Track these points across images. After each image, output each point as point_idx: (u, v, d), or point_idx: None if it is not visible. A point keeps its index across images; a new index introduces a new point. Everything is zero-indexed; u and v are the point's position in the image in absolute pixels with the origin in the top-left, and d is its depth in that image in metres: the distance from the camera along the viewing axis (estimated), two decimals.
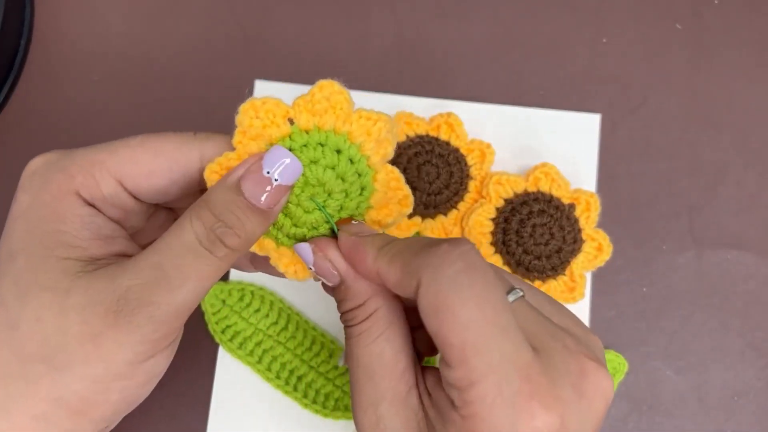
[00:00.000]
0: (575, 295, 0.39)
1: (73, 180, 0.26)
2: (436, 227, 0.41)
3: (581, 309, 0.41)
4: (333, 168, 0.27)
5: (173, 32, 0.45)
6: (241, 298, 0.40)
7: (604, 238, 0.40)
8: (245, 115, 0.26)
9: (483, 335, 0.23)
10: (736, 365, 0.40)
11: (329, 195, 0.27)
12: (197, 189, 0.28)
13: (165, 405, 0.40)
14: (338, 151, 0.27)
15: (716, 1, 0.45)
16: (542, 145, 0.43)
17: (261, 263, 0.31)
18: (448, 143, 0.41)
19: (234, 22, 0.45)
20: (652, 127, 0.43)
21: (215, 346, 0.40)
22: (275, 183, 0.25)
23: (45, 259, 0.25)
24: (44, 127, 0.44)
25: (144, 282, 0.24)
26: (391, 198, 0.28)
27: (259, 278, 0.41)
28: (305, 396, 0.40)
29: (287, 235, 0.27)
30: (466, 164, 0.41)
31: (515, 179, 0.40)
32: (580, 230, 0.40)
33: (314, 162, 0.27)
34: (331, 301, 0.41)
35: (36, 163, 0.27)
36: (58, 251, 0.25)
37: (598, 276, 0.41)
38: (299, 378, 0.40)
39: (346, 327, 0.27)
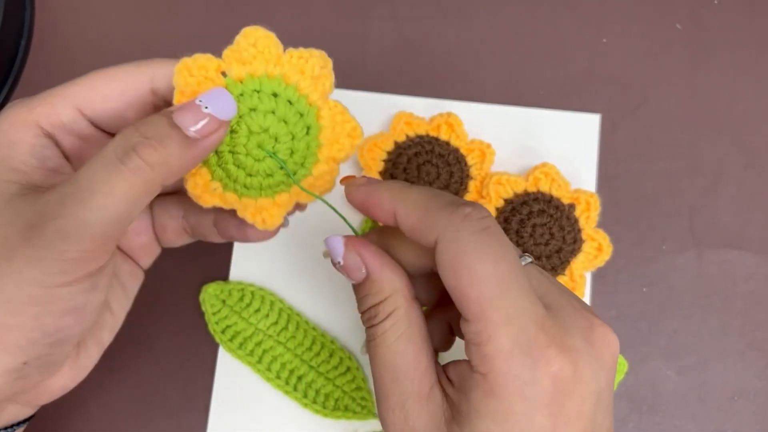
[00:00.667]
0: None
1: (33, 111, 0.27)
2: None
3: None
4: (273, 112, 0.27)
5: (173, 33, 0.45)
6: (241, 298, 0.40)
7: (604, 238, 0.40)
8: (179, 75, 0.27)
9: (499, 290, 0.24)
10: (736, 365, 0.40)
11: (276, 140, 0.27)
12: (151, 112, 0.28)
13: (165, 405, 0.40)
14: (275, 95, 0.27)
15: (716, 1, 0.45)
16: (542, 145, 0.43)
17: (226, 229, 0.31)
18: (448, 143, 0.41)
19: (234, 22, 0.45)
20: (652, 127, 0.43)
21: (215, 346, 0.40)
22: (206, 111, 0.25)
23: None
24: None
25: (57, 199, 0.24)
26: (339, 133, 0.28)
27: (259, 278, 0.41)
28: (305, 396, 0.40)
29: (245, 185, 0.28)
30: (466, 164, 0.41)
31: (515, 179, 0.40)
32: (580, 230, 0.40)
33: (253, 109, 0.27)
34: (331, 301, 0.41)
35: (10, 104, 0.28)
36: (2, 175, 0.26)
37: (598, 276, 0.41)
38: (299, 378, 0.40)
39: (369, 327, 0.27)
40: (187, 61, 0.27)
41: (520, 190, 0.40)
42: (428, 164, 0.41)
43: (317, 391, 0.40)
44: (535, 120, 0.43)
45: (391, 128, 0.42)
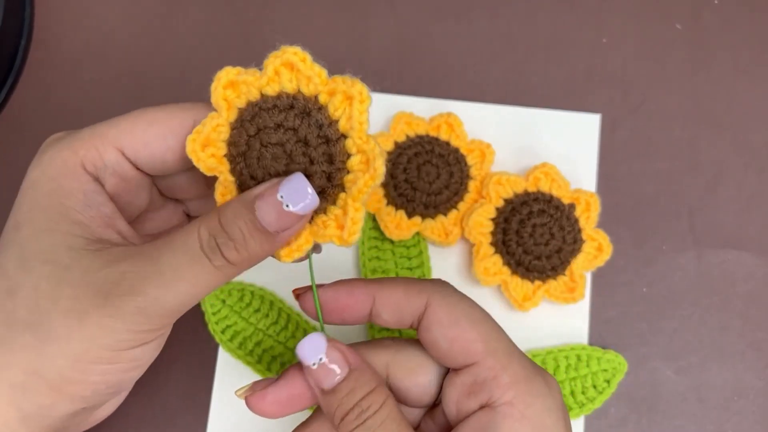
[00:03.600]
0: (575, 295, 0.39)
1: (77, 154, 0.27)
2: (436, 227, 0.41)
3: (581, 309, 0.41)
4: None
5: (173, 33, 0.45)
6: (241, 298, 0.40)
7: (604, 238, 0.40)
8: (215, 92, 0.27)
9: (494, 330, 0.28)
10: (736, 365, 0.40)
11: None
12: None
13: (165, 405, 0.40)
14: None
15: (716, 1, 0.45)
16: (542, 145, 0.43)
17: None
18: (448, 143, 0.41)
19: (234, 22, 0.45)
20: (652, 127, 0.43)
21: (215, 346, 0.40)
22: (287, 209, 0.25)
23: (50, 232, 0.26)
24: (44, 128, 0.44)
25: (138, 271, 0.25)
26: (359, 172, 0.26)
27: (259, 278, 0.41)
28: None
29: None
30: (466, 164, 0.41)
31: (515, 179, 0.40)
32: (580, 230, 0.40)
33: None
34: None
35: (47, 142, 0.28)
36: (62, 226, 0.26)
37: (598, 276, 0.41)
38: None
39: (362, 424, 0.26)
40: (222, 83, 0.27)
41: (520, 190, 0.40)
42: (428, 164, 0.41)
43: None
44: (535, 120, 0.43)
45: (391, 128, 0.42)
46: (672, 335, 0.41)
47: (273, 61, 0.26)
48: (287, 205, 0.25)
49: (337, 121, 0.26)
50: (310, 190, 0.25)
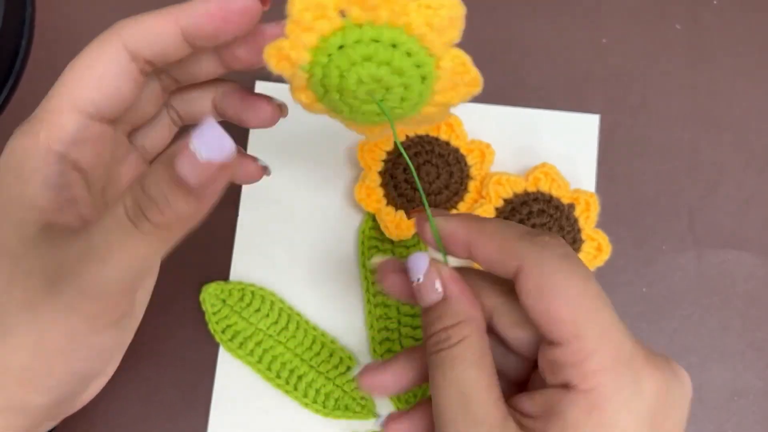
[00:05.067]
0: None
1: (37, 137, 0.26)
2: None
3: None
4: (388, 63, 0.25)
5: None
6: (241, 298, 0.40)
7: (603, 239, 0.40)
8: (294, 6, 0.25)
9: (593, 307, 0.24)
10: (736, 365, 0.40)
11: (387, 90, 0.26)
12: (141, 78, 0.28)
13: (165, 405, 0.40)
14: (394, 46, 0.25)
15: (716, 1, 0.45)
16: (542, 145, 0.43)
17: (225, 111, 0.31)
18: (448, 143, 0.41)
19: None
20: (652, 127, 0.43)
21: (215, 346, 0.40)
22: (202, 157, 0.22)
23: (6, 223, 0.25)
24: None
25: (75, 254, 0.24)
26: (457, 81, 0.27)
27: (259, 278, 0.41)
28: (305, 396, 0.40)
29: (351, 117, 0.27)
30: (466, 164, 0.41)
31: (515, 179, 0.41)
32: (579, 230, 0.40)
33: (368, 59, 0.25)
34: (331, 300, 0.41)
35: (11, 137, 0.27)
36: (17, 214, 0.25)
37: (598, 276, 0.41)
38: (299, 378, 0.40)
39: (437, 352, 0.26)
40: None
41: (519, 190, 0.40)
42: (428, 164, 0.41)
43: (317, 391, 0.40)
44: (535, 120, 0.43)
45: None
46: (672, 335, 0.41)
47: None
48: (202, 155, 0.22)
49: (427, 47, 0.25)
50: (226, 140, 0.22)
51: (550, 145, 0.43)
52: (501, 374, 0.28)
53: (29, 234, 0.25)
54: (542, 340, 0.26)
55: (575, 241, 0.40)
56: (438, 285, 0.27)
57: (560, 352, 0.25)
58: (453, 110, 0.42)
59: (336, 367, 0.40)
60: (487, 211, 0.40)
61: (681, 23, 0.45)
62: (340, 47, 0.25)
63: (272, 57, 0.26)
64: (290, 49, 0.25)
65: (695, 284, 0.41)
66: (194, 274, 0.41)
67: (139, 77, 0.28)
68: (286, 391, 0.40)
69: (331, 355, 0.40)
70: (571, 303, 0.24)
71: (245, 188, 0.42)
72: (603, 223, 0.40)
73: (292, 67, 0.26)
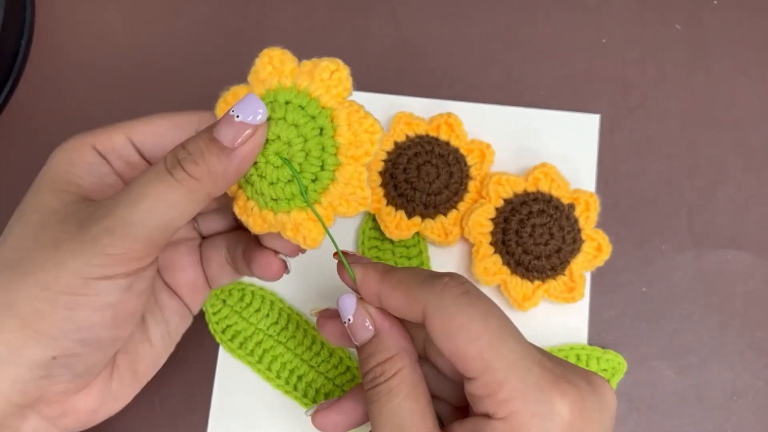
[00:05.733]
0: (575, 295, 0.39)
1: (89, 137, 0.30)
2: (436, 227, 0.41)
3: (581, 309, 0.41)
4: (284, 118, 0.28)
5: (173, 33, 0.45)
6: (241, 298, 0.40)
7: (603, 238, 0.40)
8: (219, 108, 0.30)
9: (495, 340, 0.26)
10: (735, 365, 0.40)
11: (289, 144, 0.28)
12: None
13: (165, 405, 0.40)
14: (287, 102, 0.28)
15: (715, 2, 0.45)
16: (542, 145, 0.43)
17: (244, 265, 0.33)
18: (448, 143, 0.41)
19: (234, 22, 0.45)
20: (651, 127, 0.44)
21: (215, 346, 0.40)
22: (238, 120, 0.26)
23: (47, 189, 0.28)
24: (45, 129, 0.44)
25: (112, 199, 0.27)
26: (357, 131, 0.28)
27: (259, 278, 0.41)
28: (305, 395, 0.40)
29: (272, 197, 0.28)
30: (466, 164, 0.41)
31: (515, 179, 0.41)
32: (579, 230, 0.40)
33: (269, 118, 0.28)
34: (331, 300, 0.41)
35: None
36: (60, 185, 0.28)
37: (598, 276, 0.41)
38: (299, 378, 0.40)
39: (374, 387, 0.28)
40: (226, 96, 0.30)
41: (519, 190, 0.40)
42: (428, 164, 0.41)
43: (317, 391, 0.40)
44: (535, 120, 0.43)
45: (391, 128, 0.42)
46: (671, 335, 0.41)
47: (254, 70, 0.29)
48: (237, 116, 0.26)
49: (317, 98, 0.28)
50: (261, 109, 0.27)
51: (550, 145, 0.43)
52: (442, 400, 0.31)
53: (68, 198, 0.28)
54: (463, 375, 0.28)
55: (575, 241, 0.40)
56: (368, 322, 0.29)
57: (475, 386, 0.26)
58: (453, 110, 0.42)
59: (336, 367, 0.40)
60: (487, 210, 0.40)
61: (681, 23, 0.45)
62: None
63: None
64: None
65: (695, 284, 0.41)
66: None
67: None
68: (286, 391, 0.40)
69: (330, 355, 0.40)
70: (476, 340, 0.26)
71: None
72: (603, 223, 0.40)
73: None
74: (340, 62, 0.29)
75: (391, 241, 0.41)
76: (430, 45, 0.45)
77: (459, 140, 0.42)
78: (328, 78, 0.28)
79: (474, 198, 0.41)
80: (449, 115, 0.42)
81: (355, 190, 0.29)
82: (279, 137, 0.28)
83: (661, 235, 0.42)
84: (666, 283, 0.41)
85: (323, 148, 0.28)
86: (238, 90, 0.30)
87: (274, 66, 0.29)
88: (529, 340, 0.40)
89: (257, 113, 0.27)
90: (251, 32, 0.45)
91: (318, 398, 0.40)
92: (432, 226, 0.41)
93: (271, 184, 0.28)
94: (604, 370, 0.39)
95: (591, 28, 0.45)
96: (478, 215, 0.40)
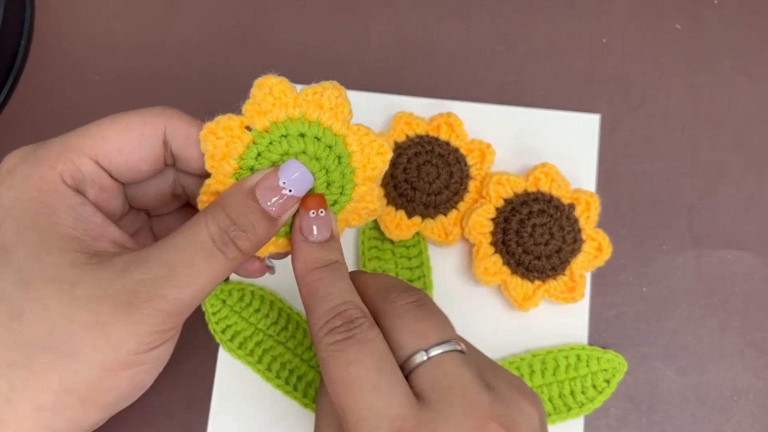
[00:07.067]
0: (575, 295, 0.39)
1: (54, 168, 0.27)
2: (436, 227, 0.41)
3: (581, 309, 0.41)
4: (304, 152, 0.28)
5: (173, 32, 0.45)
6: (241, 298, 0.40)
7: (603, 238, 0.40)
8: (206, 140, 0.28)
9: (351, 393, 0.25)
10: (735, 365, 0.40)
11: (313, 177, 0.28)
12: (162, 167, 0.29)
13: (165, 405, 0.40)
14: (302, 135, 0.28)
15: (716, 2, 0.45)
16: (542, 145, 0.43)
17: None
18: (448, 143, 0.41)
19: (234, 22, 0.45)
20: (651, 127, 0.44)
21: (215, 346, 0.40)
22: (287, 193, 0.27)
23: (48, 252, 0.25)
24: (44, 128, 0.44)
25: (155, 277, 0.25)
26: (369, 153, 0.29)
27: (259, 278, 0.41)
28: (305, 395, 0.40)
29: (287, 224, 0.29)
30: (466, 164, 0.41)
31: (515, 179, 0.41)
32: (579, 230, 0.40)
33: (285, 154, 0.28)
34: None
35: (11, 160, 0.27)
36: (58, 243, 0.25)
37: (598, 276, 0.41)
38: (299, 378, 0.40)
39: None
40: (210, 126, 0.28)
41: (520, 190, 0.40)
42: (428, 164, 0.41)
43: (317, 391, 0.40)
44: (535, 120, 0.43)
45: (391, 128, 0.42)
46: (671, 335, 0.41)
47: (252, 102, 0.28)
48: (290, 190, 0.27)
49: (329, 127, 0.28)
50: (308, 177, 0.27)
51: (551, 145, 0.43)
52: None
53: (79, 261, 0.25)
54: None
55: (575, 241, 0.40)
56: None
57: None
58: (453, 110, 0.42)
59: None
60: (488, 210, 0.40)
61: (681, 23, 0.45)
62: (258, 156, 0.28)
63: (203, 204, 0.28)
64: (216, 184, 0.28)
65: (695, 284, 0.41)
66: None
67: (161, 165, 0.29)
68: (286, 391, 0.40)
69: None
70: (336, 391, 0.25)
71: None
72: (603, 223, 0.40)
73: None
74: (339, 86, 0.29)
75: (391, 241, 0.41)
76: (430, 45, 0.45)
77: (459, 140, 0.42)
78: (335, 104, 0.28)
79: (474, 198, 0.41)
80: (449, 115, 0.42)
81: (367, 205, 0.30)
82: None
83: (661, 235, 0.42)
84: (666, 283, 0.41)
85: (343, 176, 0.29)
86: (227, 121, 0.28)
87: (275, 97, 0.28)
88: (529, 340, 0.40)
89: (305, 184, 0.27)
90: (251, 33, 0.45)
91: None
92: (432, 226, 0.41)
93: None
94: (605, 370, 0.39)
95: (591, 28, 0.45)
96: (478, 215, 0.40)
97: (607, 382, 0.39)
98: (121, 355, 0.25)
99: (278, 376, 0.40)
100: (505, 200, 0.40)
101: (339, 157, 0.29)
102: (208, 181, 0.28)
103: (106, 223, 0.28)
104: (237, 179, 0.28)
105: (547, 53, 0.45)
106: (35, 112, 0.44)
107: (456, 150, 0.41)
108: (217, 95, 0.44)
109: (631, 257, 0.42)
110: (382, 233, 0.41)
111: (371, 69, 0.44)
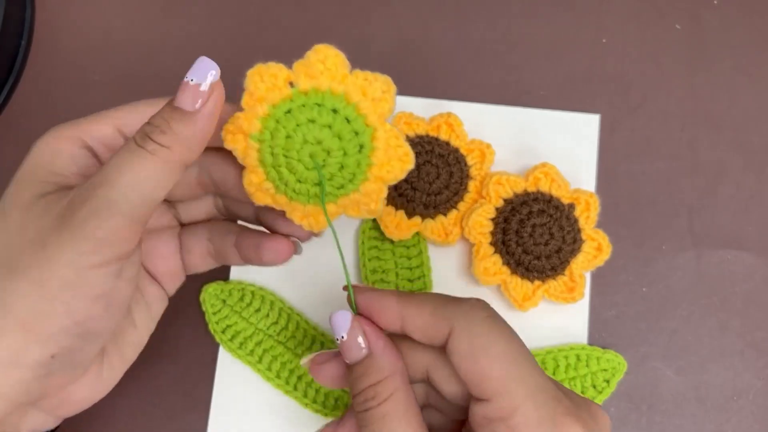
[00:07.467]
0: (575, 295, 0.39)
1: (76, 127, 0.29)
2: (436, 227, 0.41)
3: (581, 309, 0.41)
4: (329, 127, 0.28)
5: (173, 32, 0.45)
6: (241, 298, 0.40)
7: (603, 238, 0.40)
8: (251, 79, 0.28)
9: (517, 366, 0.26)
10: (735, 365, 0.40)
11: (328, 153, 0.28)
12: None
13: (165, 405, 0.40)
14: (335, 111, 0.28)
15: (715, 2, 0.45)
16: (542, 145, 0.43)
17: (244, 250, 0.32)
18: (448, 143, 0.41)
19: (234, 22, 0.45)
20: (651, 127, 0.44)
21: (215, 346, 0.40)
22: (192, 83, 0.27)
23: (27, 183, 0.28)
24: (44, 128, 0.44)
25: (88, 184, 0.26)
26: (392, 155, 0.29)
27: (259, 278, 0.41)
28: (305, 395, 0.40)
29: (294, 190, 0.29)
30: (466, 164, 0.41)
31: (515, 179, 0.41)
32: (579, 230, 0.40)
33: (312, 121, 0.28)
34: (330, 300, 0.41)
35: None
36: (39, 176, 0.28)
37: (598, 276, 0.41)
38: (299, 377, 0.40)
39: (366, 410, 0.28)
40: (260, 67, 0.29)
41: (519, 190, 0.40)
42: (428, 164, 0.41)
43: (317, 391, 0.40)
44: (535, 120, 0.43)
45: None
46: (671, 335, 0.41)
47: (304, 62, 0.28)
48: (192, 80, 0.27)
49: (364, 116, 0.29)
50: (212, 68, 0.28)
51: (550, 145, 0.43)
52: (440, 421, 0.30)
53: (45, 190, 0.27)
54: (471, 397, 0.28)
55: (575, 241, 0.40)
56: (362, 341, 0.28)
57: (489, 408, 0.26)
58: (453, 110, 0.42)
59: None
60: (488, 210, 0.40)
61: (681, 23, 0.45)
62: (288, 112, 0.28)
63: (228, 132, 0.29)
64: (244, 120, 0.28)
65: (694, 284, 0.41)
66: (194, 274, 0.41)
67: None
68: (286, 391, 0.40)
69: None
70: (499, 361, 0.26)
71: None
72: (603, 223, 0.40)
73: (245, 139, 0.29)
74: (390, 82, 0.29)
75: (391, 241, 0.41)
76: (430, 45, 0.45)
77: (459, 140, 0.42)
78: (379, 98, 0.28)
79: (474, 198, 0.41)
80: (449, 115, 0.42)
81: (369, 203, 0.30)
82: (320, 143, 0.28)
83: (661, 235, 0.42)
84: (666, 283, 0.41)
85: (358, 164, 0.29)
86: (276, 70, 0.29)
87: (326, 67, 0.28)
88: (529, 340, 0.40)
89: (209, 75, 0.27)
90: (251, 32, 0.45)
91: (318, 398, 0.40)
92: (432, 226, 0.41)
93: (298, 181, 0.29)
94: (604, 370, 0.39)
95: (591, 28, 0.45)
96: (478, 215, 0.40)
97: (607, 382, 0.39)
98: (57, 270, 0.25)
99: (278, 376, 0.40)
100: (505, 200, 0.40)
101: (361, 146, 0.29)
102: (237, 114, 0.29)
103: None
104: (262, 125, 0.28)
105: (547, 53, 0.45)
106: (35, 112, 0.44)
107: (456, 150, 0.41)
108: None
109: (631, 257, 0.42)
110: (382, 233, 0.41)
111: (371, 69, 0.44)
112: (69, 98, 0.44)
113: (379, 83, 0.28)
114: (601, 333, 0.41)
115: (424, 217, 0.41)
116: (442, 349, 0.28)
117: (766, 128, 0.44)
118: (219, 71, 0.28)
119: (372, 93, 0.28)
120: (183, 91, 0.27)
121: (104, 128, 0.29)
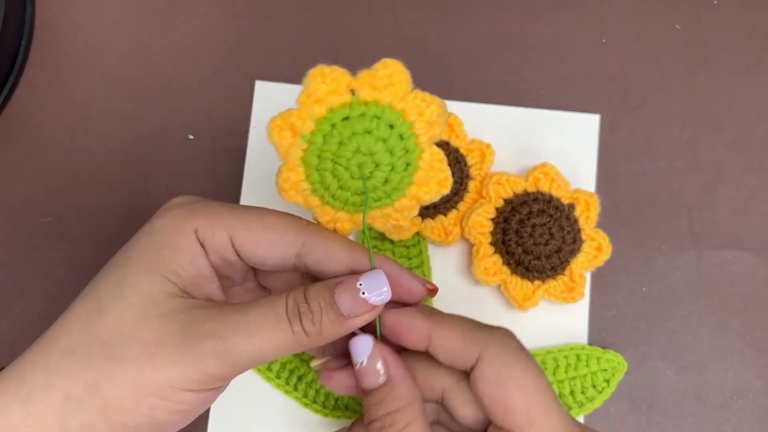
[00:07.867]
0: (575, 295, 0.39)
1: (196, 221, 0.29)
2: (436, 227, 0.41)
3: (581, 309, 0.41)
4: (384, 141, 0.28)
5: (174, 32, 0.45)
6: None
7: (603, 238, 0.40)
8: (313, 79, 0.28)
9: (544, 401, 0.27)
10: (735, 365, 0.40)
11: (377, 166, 0.29)
12: (290, 269, 0.30)
13: None
14: (391, 126, 0.28)
15: (715, 2, 0.45)
16: (542, 145, 0.43)
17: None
18: (447, 143, 0.41)
19: (234, 22, 0.45)
20: (651, 127, 0.44)
21: None
22: (362, 296, 0.27)
23: (150, 273, 0.28)
24: (45, 128, 0.44)
25: (224, 319, 0.27)
26: (432, 177, 0.30)
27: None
28: (305, 396, 0.40)
29: (333, 196, 0.29)
30: (466, 164, 0.41)
31: (515, 179, 0.41)
32: (579, 230, 0.40)
33: (368, 132, 0.28)
34: None
35: (177, 201, 0.30)
36: (164, 271, 0.28)
37: (598, 276, 0.41)
38: (299, 378, 0.40)
39: None
40: (323, 68, 0.28)
41: (519, 190, 0.40)
42: None
43: (317, 391, 0.40)
44: (535, 120, 0.43)
45: None
46: (671, 335, 0.41)
47: (370, 72, 0.29)
48: (363, 293, 0.27)
49: (416, 135, 0.29)
50: (386, 287, 0.27)
51: (550, 145, 0.43)
52: None
53: (171, 290, 0.28)
54: (491, 425, 0.28)
55: (575, 241, 0.40)
56: (380, 367, 0.29)
57: None
58: (453, 110, 0.42)
59: None
60: (487, 210, 0.40)
61: (681, 23, 0.45)
62: (345, 118, 0.28)
63: (276, 127, 0.29)
64: (297, 118, 0.28)
65: (694, 284, 0.41)
66: None
67: (287, 267, 0.30)
68: (286, 392, 0.40)
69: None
70: (527, 393, 0.27)
71: (245, 184, 0.42)
72: (603, 223, 0.40)
73: (293, 137, 0.28)
74: (445, 107, 0.29)
75: (391, 241, 0.41)
76: (431, 45, 0.45)
77: (459, 140, 0.42)
78: (433, 121, 0.29)
79: (474, 198, 0.41)
80: (449, 115, 0.42)
81: (399, 219, 0.30)
82: (373, 155, 0.28)
83: (661, 235, 0.42)
84: (666, 283, 0.41)
85: (401, 181, 0.29)
86: (340, 75, 0.28)
87: (391, 82, 0.28)
88: (529, 340, 0.40)
89: (382, 295, 0.27)
90: (251, 32, 0.45)
91: (318, 398, 0.40)
92: (432, 226, 0.41)
93: (340, 188, 0.29)
94: (604, 370, 0.39)
95: (591, 28, 0.45)
96: (478, 215, 0.40)
97: (607, 382, 0.39)
98: (155, 380, 0.26)
99: (278, 376, 0.40)
100: (505, 200, 0.40)
101: (408, 164, 0.29)
102: (290, 110, 0.28)
103: (212, 279, 0.30)
104: (316, 126, 0.28)
105: (547, 53, 0.45)
106: (35, 112, 0.44)
107: (456, 150, 0.41)
108: (217, 95, 0.44)
109: (631, 257, 0.42)
110: (382, 233, 0.41)
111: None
112: (69, 98, 0.44)
113: (435, 107, 0.29)
114: (601, 333, 0.41)
115: (424, 217, 0.41)
116: (463, 374, 0.29)
117: (766, 128, 0.44)
118: (390, 293, 0.28)
119: (429, 115, 0.29)
120: (349, 296, 0.27)
121: (218, 234, 0.29)
